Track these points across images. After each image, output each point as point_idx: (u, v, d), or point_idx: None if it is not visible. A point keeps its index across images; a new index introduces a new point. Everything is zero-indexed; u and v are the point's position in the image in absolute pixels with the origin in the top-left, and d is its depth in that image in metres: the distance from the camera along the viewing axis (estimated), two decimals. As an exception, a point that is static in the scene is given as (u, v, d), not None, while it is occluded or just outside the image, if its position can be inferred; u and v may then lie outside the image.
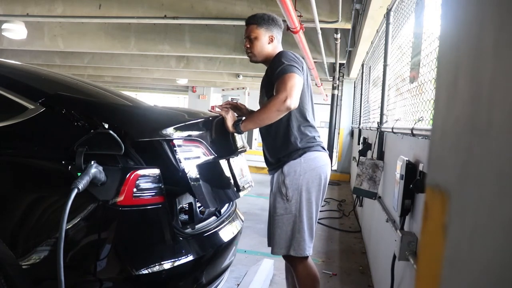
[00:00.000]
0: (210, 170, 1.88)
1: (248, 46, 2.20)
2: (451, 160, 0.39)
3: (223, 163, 2.04)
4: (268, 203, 2.21)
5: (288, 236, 2.05)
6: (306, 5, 4.64)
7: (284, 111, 1.94)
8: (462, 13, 0.39)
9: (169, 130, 1.70)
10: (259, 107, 2.15)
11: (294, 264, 2.12)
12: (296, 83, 1.94)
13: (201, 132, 1.90)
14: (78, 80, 2.36)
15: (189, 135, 1.81)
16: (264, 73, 2.23)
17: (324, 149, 2.14)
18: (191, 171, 1.73)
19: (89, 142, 1.55)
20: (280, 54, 2.09)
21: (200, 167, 1.79)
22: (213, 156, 1.88)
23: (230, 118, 2.06)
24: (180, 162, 1.70)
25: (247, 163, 2.37)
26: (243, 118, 2.10)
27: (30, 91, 1.78)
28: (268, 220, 2.19)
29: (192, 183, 1.72)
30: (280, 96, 1.91)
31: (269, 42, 2.19)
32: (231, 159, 2.12)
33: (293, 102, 1.91)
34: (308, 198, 2.05)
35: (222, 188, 1.97)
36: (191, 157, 1.77)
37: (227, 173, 2.06)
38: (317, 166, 2.07)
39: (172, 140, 1.69)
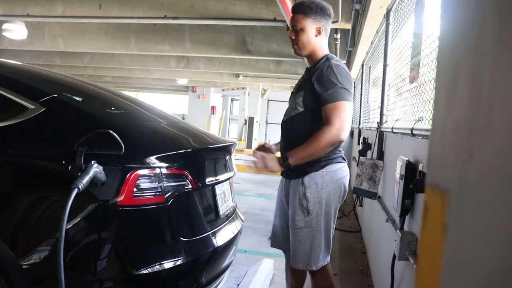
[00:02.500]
0: (191, 200, 1.82)
1: (293, 37, 2.03)
2: (451, 160, 0.39)
3: (207, 191, 1.96)
4: (276, 204, 2.17)
5: (307, 250, 1.99)
6: (306, 5, 4.63)
7: (336, 144, 1.90)
8: (462, 13, 0.39)
9: (154, 159, 1.64)
10: (288, 106, 2.07)
11: (313, 275, 2.08)
12: (348, 114, 1.89)
13: (188, 161, 1.82)
14: (79, 80, 2.36)
15: (176, 164, 1.73)
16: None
17: (344, 159, 2.07)
18: (172, 201, 1.67)
19: (90, 142, 1.55)
20: (332, 67, 1.94)
21: (182, 196, 1.74)
22: (197, 186, 1.81)
23: (271, 160, 1.95)
24: (164, 192, 1.64)
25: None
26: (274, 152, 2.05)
27: (30, 91, 1.78)
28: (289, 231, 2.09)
29: (172, 212, 1.68)
30: (334, 129, 1.85)
31: (317, 35, 2.02)
32: (216, 186, 2.03)
33: (345, 135, 1.88)
34: (328, 211, 1.99)
35: (201, 217, 1.89)
36: (174, 185, 1.70)
37: (209, 201, 1.98)
38: (338, 178, 2.01)
39: (157, 168, 1.64)
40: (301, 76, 2.18)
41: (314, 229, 1.97)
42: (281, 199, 2.18)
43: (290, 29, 2.06)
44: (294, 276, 2.21)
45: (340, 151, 2.05)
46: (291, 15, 2.05)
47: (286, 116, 2.11)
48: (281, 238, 2.20)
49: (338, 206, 2.06)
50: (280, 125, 2.19)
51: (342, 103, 1.88)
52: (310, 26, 2.00)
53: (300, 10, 2.01)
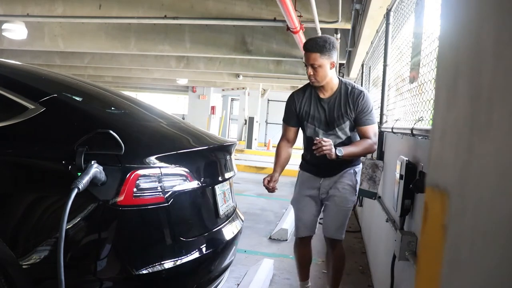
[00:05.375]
0: (191, 200, 1.82)
1: (312, 73, 2.31)
2: (451, 160, 0.39)
3: (207, 191, 1.95)
4: (333, 196, 2.47)
5: (346, 224, 2.53)
6: (306, 5, 4.65)
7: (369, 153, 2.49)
8: (462, 13, 0.39)
9: (154, 159, 1.63)
10: (327, 130, 2.41)
11: (341, 245, 2.59)
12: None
13: (188, 161, 1.81)
14: (79, 80, 2.36)
15: (176, 164, 1.73)
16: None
17: None
18: (172, 201, 1.67)
19: (90, 142, 1.54)
20: (364, 95, 2.37)
21: (182, 196, 1.73)
22: (197, 186, 1.80)
23: (330, 145, 2.22)
24: (164, 192, 1.64)
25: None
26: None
27: (30, 91, 1.78)
28: (328, 209, 2.52)
29: (172, 212, 1.68)
30: (373, 143, 2.36)
31: (331, 68, 2.32)
32: (216, 186, 2.02)
33: (376, 149, 2.47)
34: None
35: (201, 217, 1.90)
36: (174, 185, 1.69)
37: (209, 201, 1.98)
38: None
39: (157, 168, 1.64)
40: (310, 100, 2.45)
41: (351, 206, 2.53)
42: (312, 196, 2.52)
43: (307, 65, 2.32)
44: (338, 246, 2.61)
45: None
46: (307, 52, 2.30)
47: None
48: (312, 227, 2.59)
49: None
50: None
51: (376, 125, 2.39)
52: (326, 62, 2.29)
53: (316, 50, 2.27)
